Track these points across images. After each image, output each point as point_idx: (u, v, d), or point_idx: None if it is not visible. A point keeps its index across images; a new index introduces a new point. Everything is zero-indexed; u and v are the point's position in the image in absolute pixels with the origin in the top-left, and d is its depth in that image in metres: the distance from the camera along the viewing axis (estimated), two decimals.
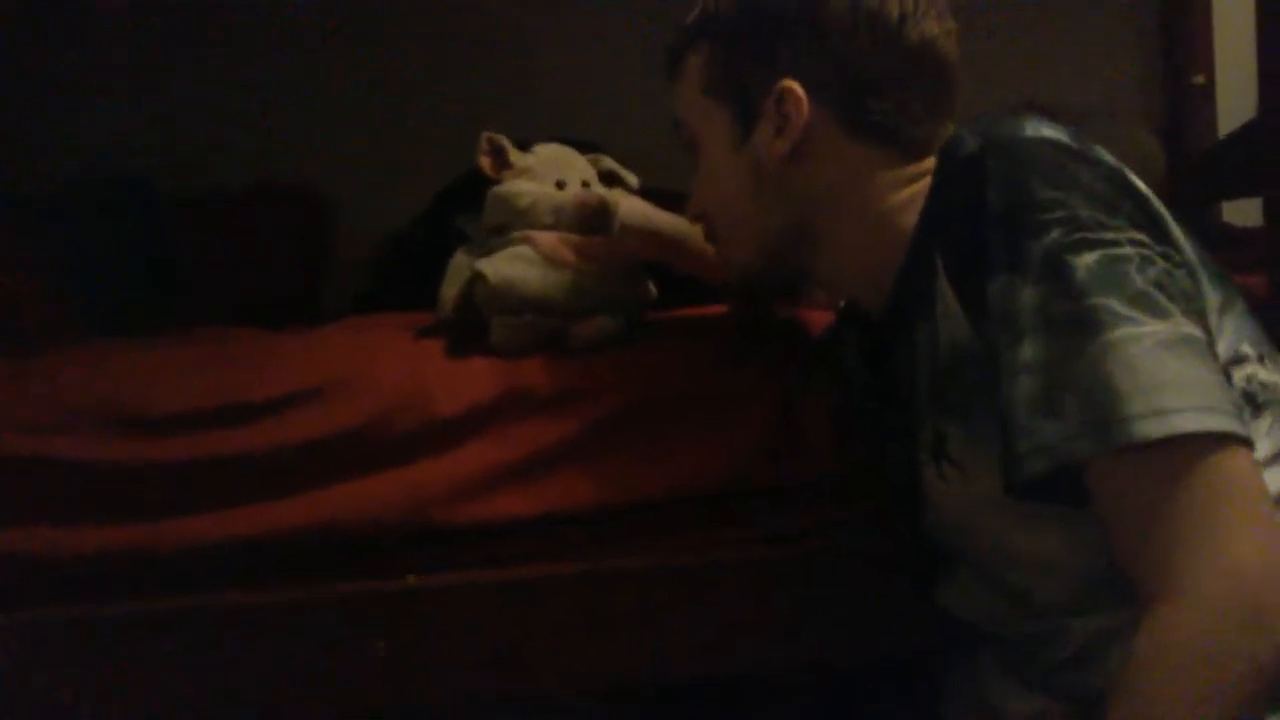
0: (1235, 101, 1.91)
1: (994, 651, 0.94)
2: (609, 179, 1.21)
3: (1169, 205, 0.83)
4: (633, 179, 1.23)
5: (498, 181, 1.16)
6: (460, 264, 1.16)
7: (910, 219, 0.88)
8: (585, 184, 1.17)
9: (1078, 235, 0.74)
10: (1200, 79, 1.91)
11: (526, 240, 1.11)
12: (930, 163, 0.88)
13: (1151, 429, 0.70)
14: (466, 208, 1.28)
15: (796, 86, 0.90)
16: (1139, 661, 0.70)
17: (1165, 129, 1.93)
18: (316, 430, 1.04)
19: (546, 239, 1.11)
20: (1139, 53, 1.99)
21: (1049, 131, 0.81)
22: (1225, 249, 1.07)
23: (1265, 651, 0.67)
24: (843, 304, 1.08)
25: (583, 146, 1.23)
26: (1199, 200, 1.71)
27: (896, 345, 0.92)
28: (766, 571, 1.05)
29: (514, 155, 1.16)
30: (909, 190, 0.90)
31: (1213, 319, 0.80)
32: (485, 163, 1.16)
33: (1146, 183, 0.83)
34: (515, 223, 1.14)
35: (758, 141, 0.93)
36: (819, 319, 1.13)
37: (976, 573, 0.92)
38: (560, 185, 1.15)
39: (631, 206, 1.16)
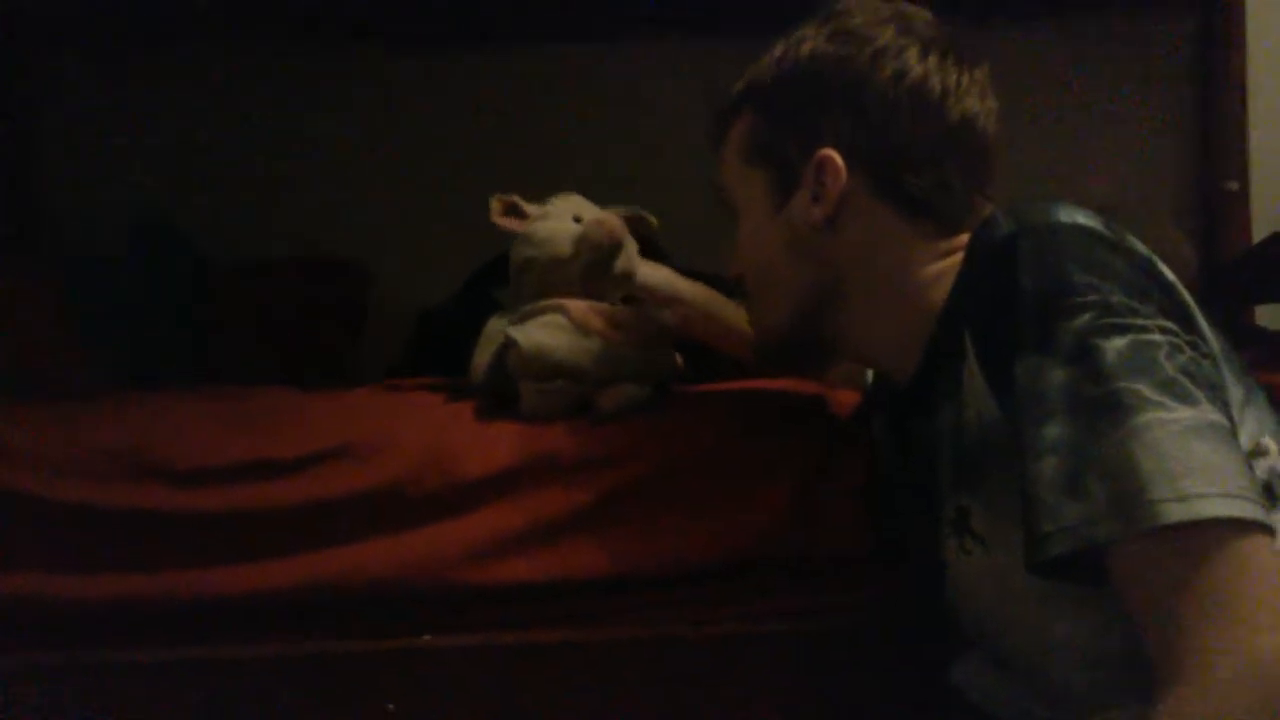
0: (1269, 209, 1.92)
1: None
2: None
3: (1206, 307, 0.83)
4: (652, 220, 1.24)
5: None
6: (493, 331, 1.17)
7: (940, 294, 0.89)
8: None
9: (1109, 320, 0.74)
10: (1234, 185, 1.93)
11: (558, 308, 1.13)
12: (964, 239, 0.88)
13: (1175, 513, 0.69)
14: (501, 285, 1.30)
15: (835, 156, 0.91)
16: None
17: (1199, 233, 1.94)
18: (341, 488, 1.05)
19: (577, 306, 1.13)
20: (1174, 157, 2.00)
21: (1083, 218, 0.81)
22: (1256, 346, 1.07)
23: None
24: (870, 381, 1.09)
25: None
26: (1231, 303, 1.71)
27: (921, 419, 0.92)
28: (782, 647, 1.04)
29: (528, 207, 1.19)
30: (941, 264, 0.90)
31: (1235, 411, 0.79)
32: (502, 222, 1.18)
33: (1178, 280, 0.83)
34: (537, 255, 1.16)
35: (795, 208, 0.94)
36: (847, 399, 1.14)
37: (993, 654, 0.91)
38: (577, 220, 1.17)
39: (652, 269, 1.18)
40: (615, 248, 1.14)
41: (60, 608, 1.01)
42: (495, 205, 1.19)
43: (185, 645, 1.02)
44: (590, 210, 1.20)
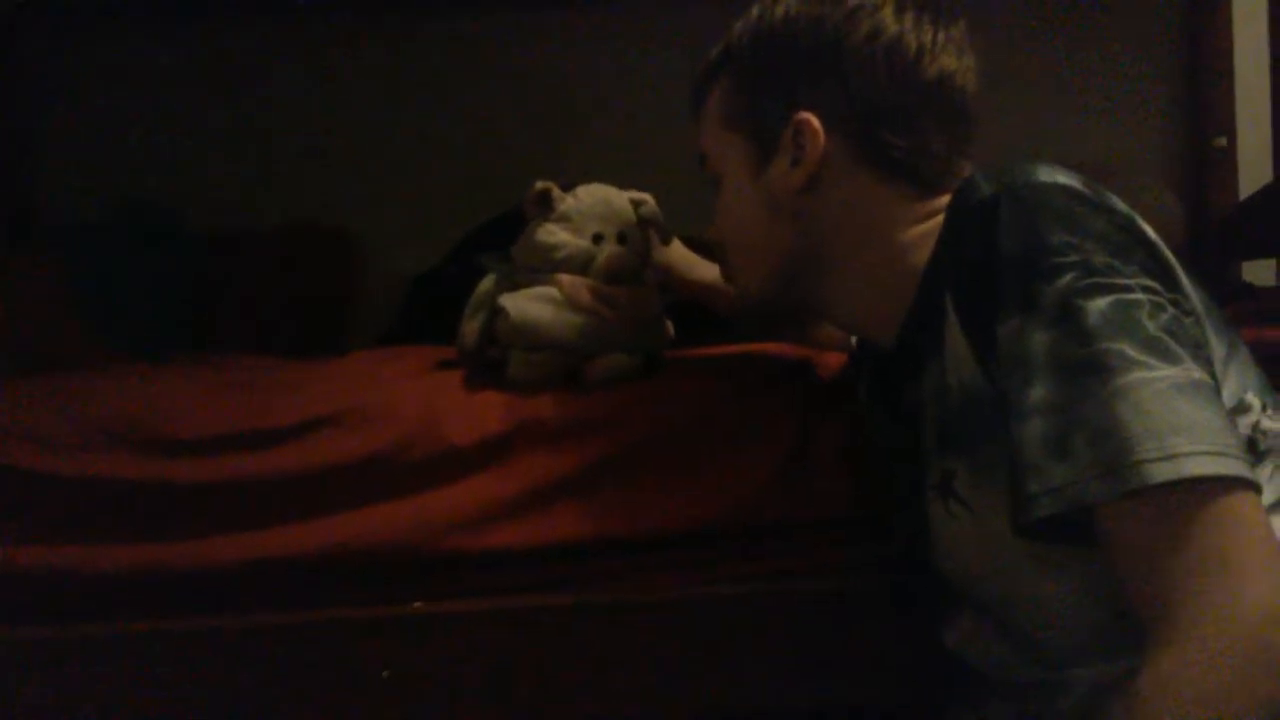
0: (1254, 165, 1.93)
1: (1003, 700, 0.92)
2: (646, 228, 1.18)
3: (1188, 263, 0.83)
4: (668, 235, 1.20)
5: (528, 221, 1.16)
6: (483, 295, 1.16)
7: (921, 256, 0.89)
8: (622, 237, 1.15)
9: (1090, 280, 0.75)
10: (1221, 142, 1.93)
11: (552, 280, 1.12)
12: (944, 201, 0.88)
13: (1162, 472, 0.69)
14: (491, 248, 1.29)
15: (813, 119, 0.91)
16: (1142, 703, 0.69)
17: (1187, 190, 1.94)
18: (332, 457, 1.05)
19: (570, 282, 1.12)
20: (1162, 115, 2.01)
21: (1063, 178, 0.81)
22: (1243, 302, 1.07)
23: (1275, 694, 0.66)
24: (854, 342, 1.09)
25: None
26: (1219, 260, 1.72)
27: (905, 382, 0.92)
28: (773, 610, 1.04)
29: (557, 197, 1.15)
30: (922, 227, 0.91)
31: (1218, 368, 0.80)
32: (529, 211, 1.15)
33: (1166, 241, 0.83)
34: (548, 270, 1.14)
35: (774, 172, 0.94)
36: (834, 361, 1.14)
37: (982, 615, 0.91)
38: (597, 239, 1.14)
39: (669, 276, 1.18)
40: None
41: (56, 582, 1.01)
42: (534, 191, 1.14)
43: (178, 616, 1.02)
44: (612, 221, 1.14)
